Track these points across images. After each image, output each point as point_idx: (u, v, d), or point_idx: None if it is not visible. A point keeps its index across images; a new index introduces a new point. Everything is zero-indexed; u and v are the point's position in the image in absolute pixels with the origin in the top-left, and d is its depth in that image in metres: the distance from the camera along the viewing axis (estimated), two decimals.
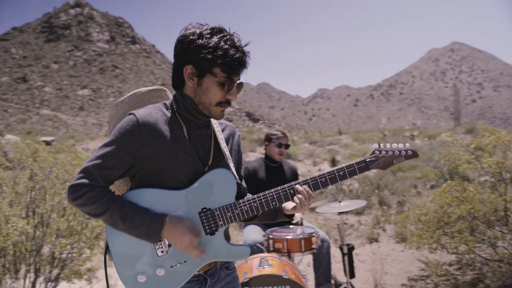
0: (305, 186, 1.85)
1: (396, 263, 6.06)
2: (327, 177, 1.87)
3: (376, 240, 7.81)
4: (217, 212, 1.77)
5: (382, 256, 6.41)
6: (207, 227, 1.77)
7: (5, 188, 4.16)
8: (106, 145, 1.70)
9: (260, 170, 4.57)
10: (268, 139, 4.62)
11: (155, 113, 1.76)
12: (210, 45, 1.69)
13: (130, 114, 1.72)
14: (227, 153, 1.88)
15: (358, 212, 10.89)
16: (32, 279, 4.26)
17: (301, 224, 4.47)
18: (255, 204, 1.80)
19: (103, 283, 5.28)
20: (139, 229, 1.67)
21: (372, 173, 17.81)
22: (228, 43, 1.71)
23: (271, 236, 3.90)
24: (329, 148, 27.00)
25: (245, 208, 1.80)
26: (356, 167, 1.89)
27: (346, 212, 4.01)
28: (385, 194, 12.55)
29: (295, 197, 1.85)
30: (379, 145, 1.93)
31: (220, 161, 1.86)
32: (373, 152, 1.92)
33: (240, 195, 1.99)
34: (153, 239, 1.68)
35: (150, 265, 1.72)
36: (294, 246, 3.82)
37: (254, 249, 4.10)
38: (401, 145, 1.93)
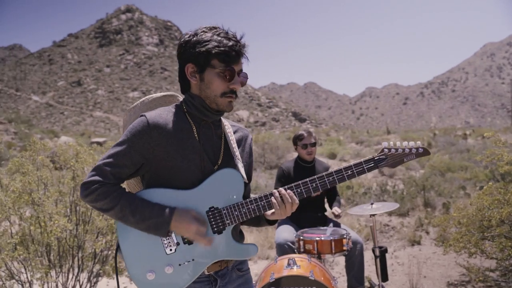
0: (289, 191, 1.83)
1: (436, 267, 5.88)
2: (335, 177, 1.85)
3: (418, 243, 7.61)
4: (224, 211, 1.79)
5: (422, 260, 6.24)
6: (214, 226, 1.80)
7: (50, 188, 4.41)
8: (117, 144, 1.78)
9: (293, 170, 4.59)
10: (295, 142, 4.64)
11: (165, 114, 1.82)
12: (204, 39, 1.77)
13: (142, 115, 1.79)
14: (237, 153, 1.90)
15: (402, 214, 10.63)
16: (75, 274, 4.49)
17: (337, 225, 4.44)
18: (262, 203, 1.82)
19: None
20: (148, 222, 1.71)
21: (418, 173, 17.32)
22: (221, 35, 1.78)
23: (301, 237, 3.91)
24: (376, 148, 26.49)
25: (252, 207, 1.81)
26: (364, 166, 1.86)
27: (375, 215, 3.93)
28: (431, 196, 12.16)
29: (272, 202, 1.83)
30: (389, 143, 1.91)
31: (229, 161, 1.88)
32: (382, 150, 1.89)
33: (246, 195, 1.99)
34: (162, 231, 1.72)
35: (158, 263, 1.75)
36: (325, 247, 3.81)
37: (285, 248, 4.12)
38: (412, 143, 1.90)
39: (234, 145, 1.91)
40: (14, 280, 4.25)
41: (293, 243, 4.11)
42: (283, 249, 4.13)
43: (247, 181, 1.89)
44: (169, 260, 1.76)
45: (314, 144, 4.57)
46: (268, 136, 27.62)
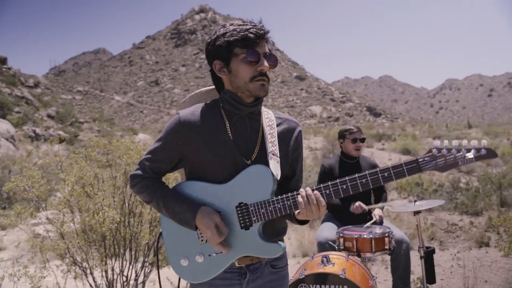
0: (316, 192, 1.75)
1: (501, 272, 5.45)
2: (369, 179, 1.70)
3: (487, 245, 7.11)
4: (251, 208, 1.78)
5: (487, 263, 5.82)
6: (241, 222, 1.80)
7: (105, 182, 4.70)
8: (156, 141, 1.90)
9: (336, 167, 4.49)
10: (342, 135, 4.51)
11: (198, 111, 1.87)
12: (221, 33, 1.81)
13: (177, 113, 1.88)
14: (273, 148, 1.85)
15: (475, 213, 9.99)
16: (130, 264, 4.74)
17: (380, 224, 4.28)
18: (288, 203, 1.77)
19: None
20: (178, 216, 1.81)
21: (495, 170, 16.12)
22: (236, 23, 1.81)
23: (341, 235, 3.82)
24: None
25: (278, 206, 1.76)
26: (405, 167, 1.67)
27: (419, 212, 3.72)
28: (510, 194, 11.29)
29: (299, 202, 1.76)
30: (442, 142, 1.67)
31: (264, 156, 1.85)
32: (430, 151, 1.66)
33: (294, 189, 1.87)
34: (189, 226, 1.80)
35: (191, 251, 1.85)
36: (364, 245, 3.69)
37: (326, 247, 4.05)
38: (473, 142, 1.62)
39: (272, 139, 1.87)
40: (77, 266, 4.59)
41: (334, 241, 4.02)
42: (323, 247, 4.05)
43: (277, 178, 1.81)
44: (200, 250, 1.84)
45: (363, 140, 4.44)
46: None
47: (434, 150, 1.66)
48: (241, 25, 1.79)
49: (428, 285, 3.75)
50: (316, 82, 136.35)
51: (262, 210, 1.77)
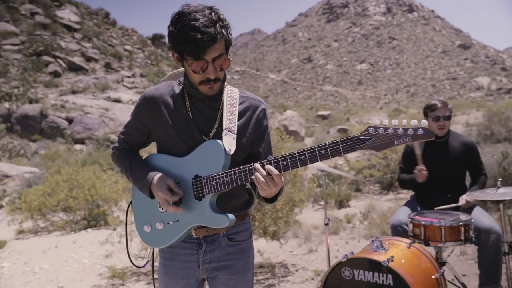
0: (268, 166, 1.75)
1: None
2: (307, 155, 1.72)
3: None
4: (204, 180, 1.88)
5: None
6: (195, 193, 1.91)
7: None
8: (130, 116, 2.09)
9: (421, 146, 4.04)
10: (425, 113, 4.02)
11: (163, 88, 2.00)
12: (174, 33, 1.80)
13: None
14: (230, 125, 1.91)
15: None
16: None
17: (469, 209, 3.76)
18: (235, 176, 1.83)
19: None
20: (138, 184, 1.97)
21: None
22: (189, 26, 1.75)
23: (410, 220, 3.47)
24: None
25: (227, 179, 1.83)
26: (340, 145, 1.67)
27: (503, 201, 3.15)
28: None
29: (252, 176, 1.79)
30: (381, 121, 1.64)
31: (222, 133, 1.92)
32: (366, 130, 1.64)
33: (237, 164, 1.89)
34: (145, 192, 1.93)
35: (153, 219, 2.00)
36: (433, 234, 3.29)
37: (399, 230, 3.73)
38: (413, 122, 1.59)
39: (231, 116, 1.93)
40: None
41: (407, 225, 3.68)
42: (396, 231, 3.75)
43: (229, 153, 1.87)
44: (161, 218, 1.98)
45: (448, 118, 3.92)
46: (506, 105, 23.85)
47: (371, 129, 1.64)
48: (192, 29, 1.74)
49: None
50: (484, 50, 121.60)
51: (213, 183, 1.86)
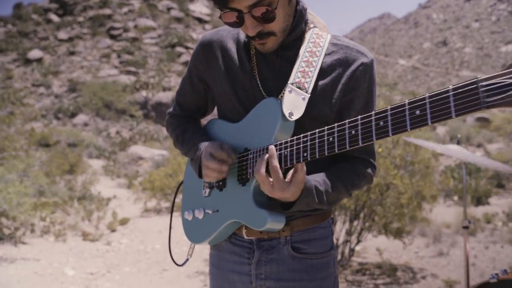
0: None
1: None
2: (390, 119, 1.00)
3: None
4: (250, 156, 1.33)
5: None
6: (239, 174, 1.36)
7: None
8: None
9: None
10: None
11: (226, 31, 1.50)
12: None
13: None
14: (301, 79, 1.32)
15: None
16: None
17: None
18: (291, 151, 1.21)
19: None
20: (189, 155, 1.51)
21: None
22: None
23: None
24: None
25: (279, 154, 1.23)
26: (451, 99, 0.88)
27: None
28: None
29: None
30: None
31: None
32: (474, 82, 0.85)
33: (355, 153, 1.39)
34: (196, 167, 1.44)
35: (195, 204, 1.52)
36: None
37: None
38: None
39: (307, 69, 1.34)
40: None
41: None
42: None
43: (289, 118, 1.28)
44: (202, 204, 1.49)
45: None
46: None
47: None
48: None
49: None
50: None
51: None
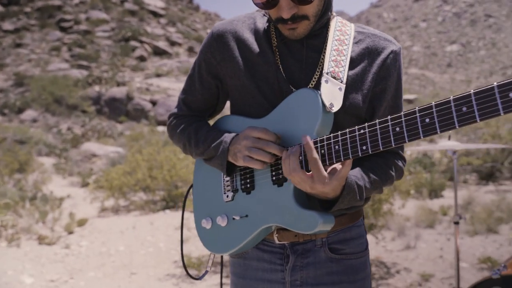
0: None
1: None
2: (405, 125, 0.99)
3: None
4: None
5: None
6: (273, 174, 1.23)
7: None
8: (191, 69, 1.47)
9: None
10: None
11: (240, 21, 1.39)
12: None
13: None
14: (335, 68, 1.23)
15: None
16: None
17: None
18: (337, 147, 1.10)
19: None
20: (210, 152, 1.33)
21: None
22: None
23: None
24: None
25: (322, 151, 1.12)
26: (475, 103, 0.89)
27: None
28: None
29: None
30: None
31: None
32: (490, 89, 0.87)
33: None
34: (223, 162, 1.29)
35: (214, 210, 1.37)
36: None
37: None
38: None
39: (339, 57, 1.25)
40: None
41: None
42: None
43: (329, 109, 1.18)
44: (224, 210, 1.34)
45: None
46: None
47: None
48: None
49: None
50: None
51: (301, 157, 1.15)
